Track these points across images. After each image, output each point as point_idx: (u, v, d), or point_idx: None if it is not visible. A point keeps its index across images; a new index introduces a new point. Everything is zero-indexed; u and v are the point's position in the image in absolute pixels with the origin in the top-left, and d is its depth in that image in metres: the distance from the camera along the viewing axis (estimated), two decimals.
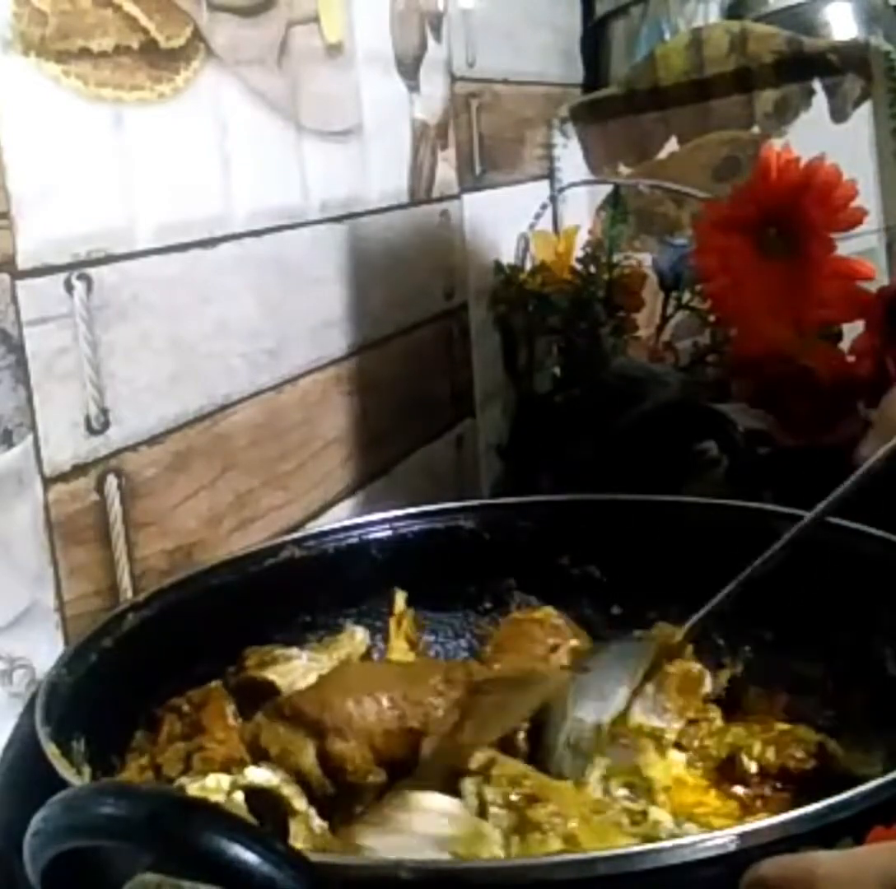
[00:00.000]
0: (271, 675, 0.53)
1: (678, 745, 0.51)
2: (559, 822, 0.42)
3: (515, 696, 0.50)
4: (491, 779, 0.44)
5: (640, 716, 0.52)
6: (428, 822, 0.41)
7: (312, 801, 0.46)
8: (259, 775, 0.45)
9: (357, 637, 0.59)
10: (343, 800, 0.46)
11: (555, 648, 0.57)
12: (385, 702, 0.48)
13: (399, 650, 0.58)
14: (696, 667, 0.54)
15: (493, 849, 0.41)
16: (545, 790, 0.44)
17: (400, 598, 0.62)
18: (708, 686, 0.54)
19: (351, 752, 0.46)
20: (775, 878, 0.31)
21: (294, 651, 0.55)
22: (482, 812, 0.43)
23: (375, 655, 0.60)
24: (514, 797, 0.43)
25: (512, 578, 0.64)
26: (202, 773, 0.45)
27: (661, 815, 0.45)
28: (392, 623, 0.60)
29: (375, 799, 0.46)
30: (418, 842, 0.40)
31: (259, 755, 0.47)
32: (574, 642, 0.57)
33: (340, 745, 0.46)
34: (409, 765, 0.47)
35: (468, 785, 0.43)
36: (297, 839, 0.43)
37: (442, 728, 0.48)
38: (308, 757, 0.46)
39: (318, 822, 0.45)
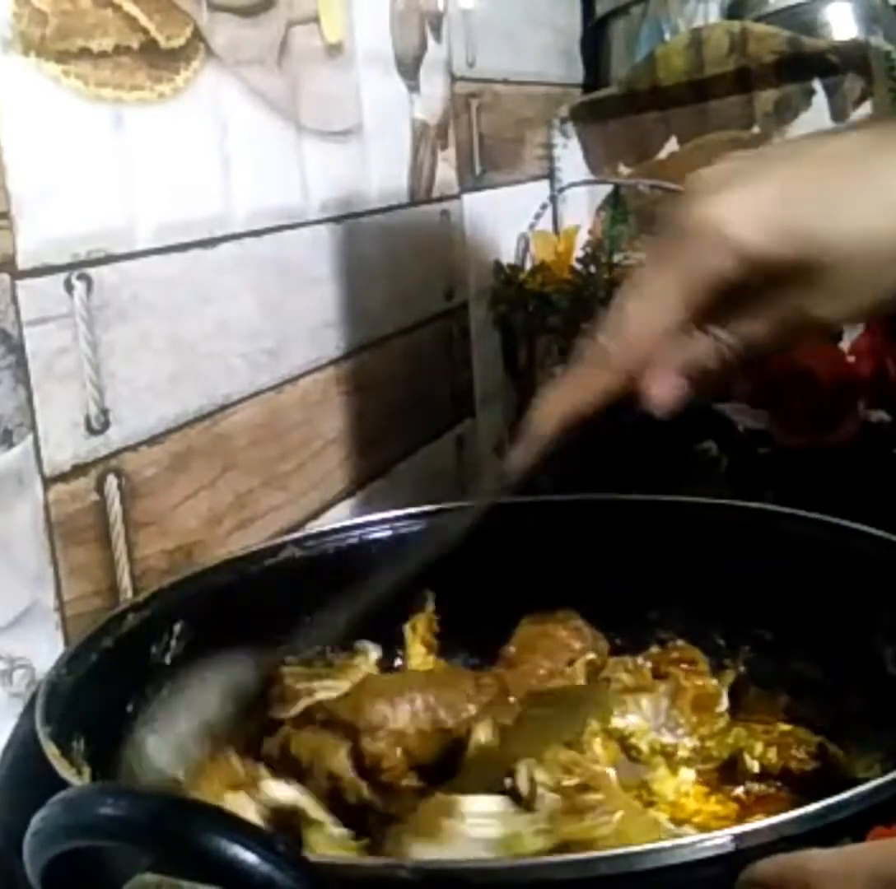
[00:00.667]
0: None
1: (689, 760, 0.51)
2: (608, 811, 0.42)
3: (566, 714, 0.49)
4: (544, 762, 0.44)
5: (653, 732, 0.51)
6: (475, 826, 0.41)
7: (343, 808, 0.45)
8: (279, 791, 0.44)
9: (371, 656, 0.58)
10: (377, 804, 0.46)
11: (572, 662, 0.56)
12: (419, 702, 0.48)
13: (417, 655, 0.58)
14: (713, 683, 0.54)
15: (536, 844, 0.40)
16: (595, 779, 0.44)
17: (430, 599, 0.61)
18: (724, 704, 0.54)
19: (385, 751, 0.46)
20: (770, 877, 0.32)
21: (314, 684, 0.54)
22: (531, 796, 0.43)
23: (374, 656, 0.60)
24: (565, 782, 0.43)
25: (512, 578, 0.64)
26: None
27: (657, 815, 0.45)
28: (407, 628, 0.59)
29: (411, 804, 0.46)
30: (468, 846, 0.40)
31: (283, 768, 0.46)
32: (591, 655, 0.56)
33: (375, 745, 0.46)
34: (443, 769, 0.47)
35: (521, 768, 0.43)
36: (318, 847, 0.43)
37: (484, 729, 0.48)
38: (341, 759, 0.46)
39: (337, 831, 0.44)
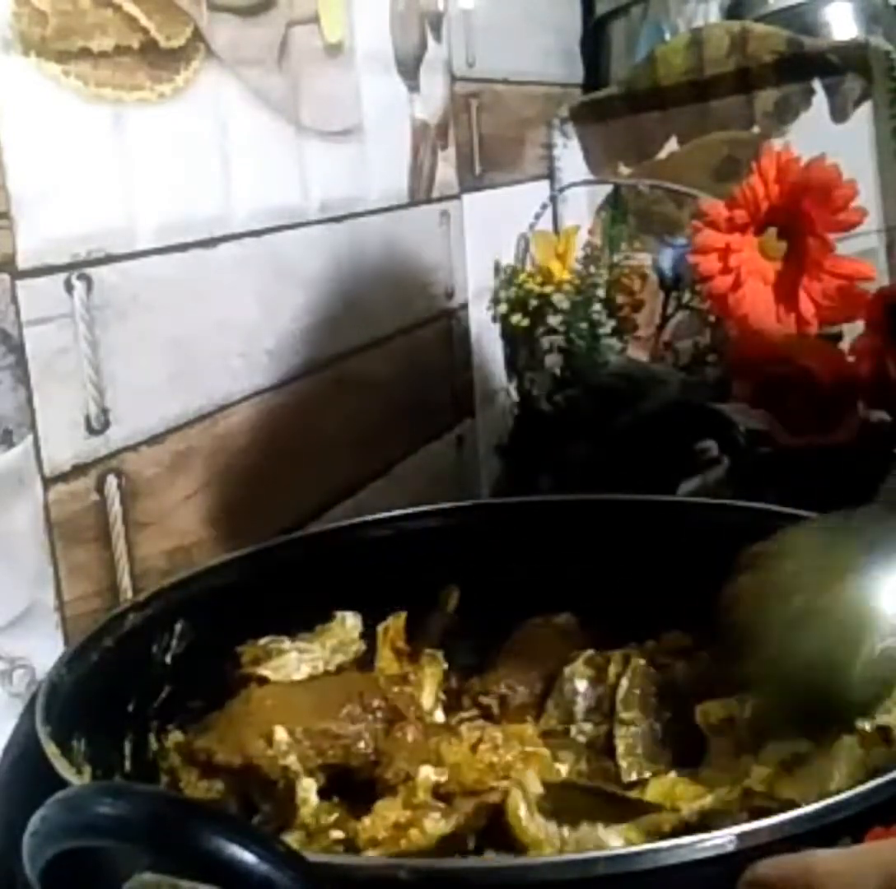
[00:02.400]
0: (264, 671, 0.53)
1: None
2: None
3: None
4: None
5: None
6: None
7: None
8: None
9: (348, 623, 0.58)
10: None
11: (565, 664, 0.56)
12: (305, 742, 0.47)
13: (385, 659, 0.58)
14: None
15: None
16: None
17: (453, 597, 0.61)
18: None
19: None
20: (773, 878, 0.31)
21: (286, 644, 0.55)
22: None
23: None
24: None
25: (512, 579, 0.64)
26: None
27: None
28: (379, 631, 0.59)
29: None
30: None
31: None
32: (589, 652, 0.56)
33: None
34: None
35: None
36: None
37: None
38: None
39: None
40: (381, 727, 0.49)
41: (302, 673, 0.53)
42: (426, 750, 0.46)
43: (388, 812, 0.42)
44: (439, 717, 0.53)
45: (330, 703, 0.49)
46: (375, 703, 0.50)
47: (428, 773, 0.44)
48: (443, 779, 0.44)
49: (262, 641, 0.56)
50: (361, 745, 0.48)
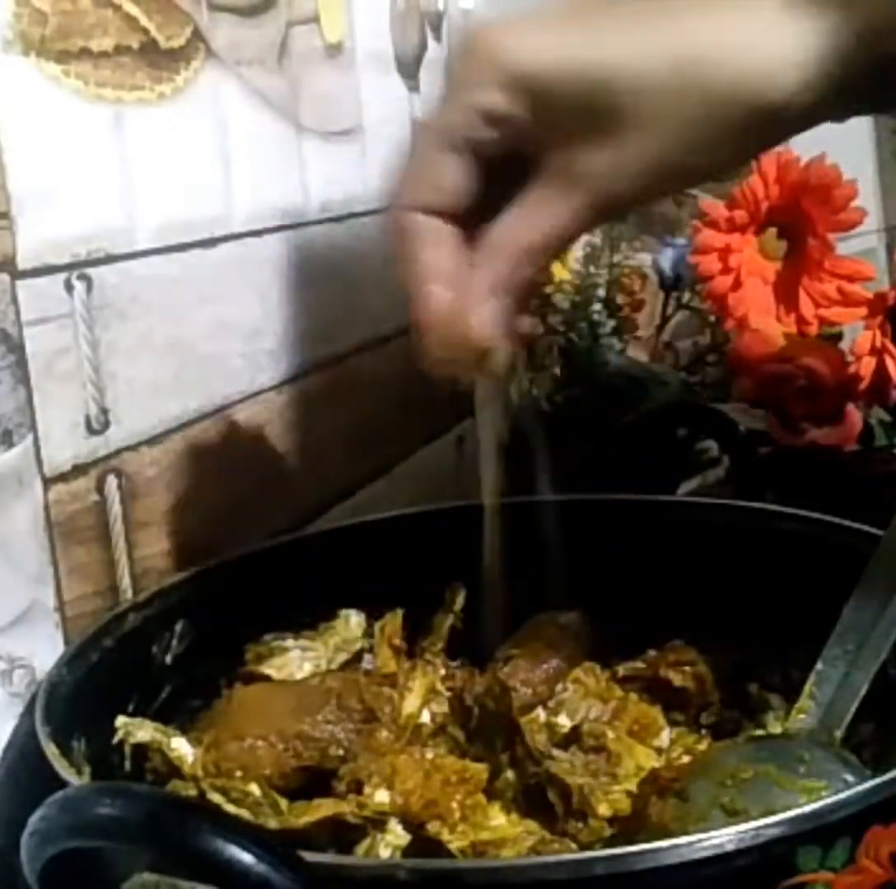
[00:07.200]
0: (267, 669, 0.53)
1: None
2: None
3: None
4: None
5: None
6: None
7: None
8: None
9: (352, 621, 0.58)
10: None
11: (568, 663, 0.55)
12: (279, 745, 0.47)
13: (383, 656, 0.58)
14: (655, 711, 0.53)
15: None
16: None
17: (460, 595, 0.61)
18: (664, 738, 0.52)
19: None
20: None
21: (289, 642, 0.55)
22: None
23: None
24: None
25: (512, 579, 0.64)
26: None
27: None
28: (376, 629, 0.59)
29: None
30: None
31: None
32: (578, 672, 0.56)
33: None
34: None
35: None
36: None
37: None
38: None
39: None
40: (357, 729, 0.48)
41: (304, 671, 0.53)
42: (386, 763, 0.45)
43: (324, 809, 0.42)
44: (425, 717, 0.53)
45: (309, 704, 0.49)
46: (352, 704, 0.49)
47: (383, 799, 0.43)
48: (394, 804, 0.43)
49: (266, 639, 0.56)
50: (335, 747, 0.48)
